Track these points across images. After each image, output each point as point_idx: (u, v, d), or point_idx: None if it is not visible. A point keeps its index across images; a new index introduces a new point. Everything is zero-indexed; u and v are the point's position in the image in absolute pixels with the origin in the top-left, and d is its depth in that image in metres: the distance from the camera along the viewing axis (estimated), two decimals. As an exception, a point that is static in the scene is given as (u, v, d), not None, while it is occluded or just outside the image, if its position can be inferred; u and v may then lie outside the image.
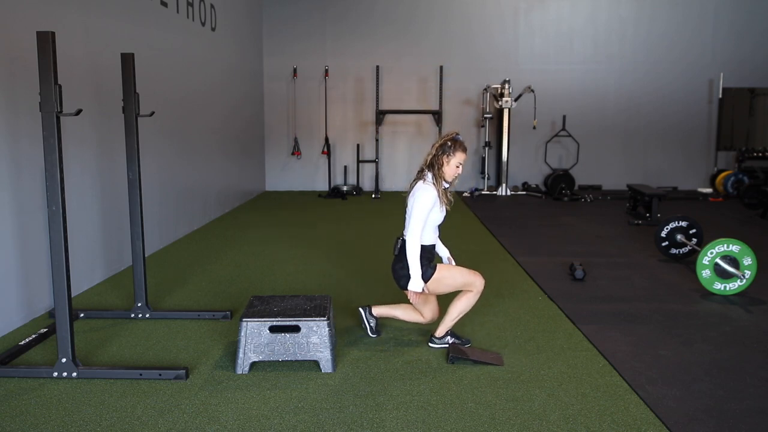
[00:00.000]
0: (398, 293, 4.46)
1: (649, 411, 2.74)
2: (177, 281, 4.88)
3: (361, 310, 3.68)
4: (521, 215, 8.40)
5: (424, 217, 3.22)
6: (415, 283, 3.24)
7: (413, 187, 3.32)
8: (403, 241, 3.29)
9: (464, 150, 3.28)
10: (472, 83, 10.77)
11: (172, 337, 3.64)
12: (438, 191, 3.24)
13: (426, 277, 3.28)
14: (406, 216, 3.34)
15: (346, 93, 10.89)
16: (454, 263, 3.52)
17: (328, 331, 3.14)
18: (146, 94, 4.65)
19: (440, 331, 3.46)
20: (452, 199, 3.35)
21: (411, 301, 3.34)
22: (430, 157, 3.29)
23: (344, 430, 2.58)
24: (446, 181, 3.30)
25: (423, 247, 3.28)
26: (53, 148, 2.89)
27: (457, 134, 3.32)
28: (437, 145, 3.29)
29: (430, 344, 3.47)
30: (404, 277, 3.31)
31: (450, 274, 3.34)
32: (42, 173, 3.85)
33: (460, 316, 3.43)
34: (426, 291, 3.29)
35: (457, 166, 3.27)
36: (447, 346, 3.42)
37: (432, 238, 3.35)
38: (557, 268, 5.29)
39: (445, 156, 3.25)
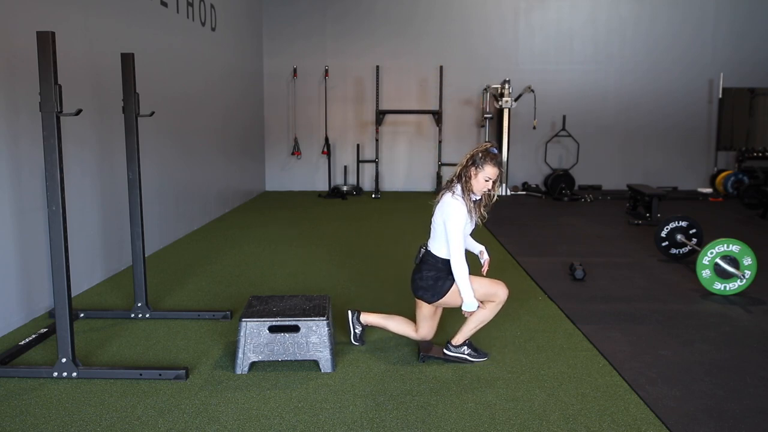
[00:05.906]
0: (397, 298, 4.46)
1: (649, 411, 2.74)
2: (177, 281, 4.88)
3: (349, 313, 3.47)
4: (521, 215, 8.39)
5: (461, 234, 3.06)
6: (469, 303, 3.08)
7: (441, 198, 3.15)
8: (426, 252, 3.19)
9: (496, 164, 3.04)
10: (472, 83, 10.76)
11: (172, 337, 3.64)
12: (467, 205, 3.06)
13: (445, 288, 3.14)
14: (432, 226, 3.17)
15: (346, 93, 10.89)
16: (487, 256, 3.32)
17: (327, 331, 3.14)
18: (146, 94, 4.65)
19: (458, 340, 3.27)
20: (485, 214, 3.17)
21: (466, 315, 3.18)
22: (460, 168, 3.09)
23: (344, 430, 2.58)
24: (474, 195, 3.10)
25: (446, 260, 3.14)
26: (53, 148, 2.89)
27: (493, 146, 3.08)
28: (469, 155, 3.09)
29: (445, 351, 3.29)
30: (421, 289, 3.18)
31: (473, 287, 3.15)
32: (42, 173, 3.85)
33: (480, 326, 3.23)
34: (444, 304, 3.18)
35: (486, 181, 3.06)
36: (463, 356, 3.27)
37: None
38: (557, 268, 5.29)
39: (473, 168, 3.05)
